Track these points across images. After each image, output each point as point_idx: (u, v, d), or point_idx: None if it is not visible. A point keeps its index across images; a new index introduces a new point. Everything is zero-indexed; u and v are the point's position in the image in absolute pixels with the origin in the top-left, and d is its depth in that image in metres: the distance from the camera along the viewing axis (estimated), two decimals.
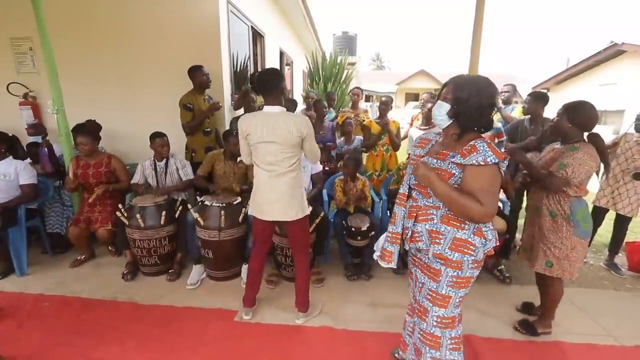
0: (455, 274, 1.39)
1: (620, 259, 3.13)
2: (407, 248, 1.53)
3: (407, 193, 1.52)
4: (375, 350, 1.99)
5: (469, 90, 1.33)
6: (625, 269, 3.01)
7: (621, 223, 3.06)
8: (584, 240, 1.97)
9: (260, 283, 2.29)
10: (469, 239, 1.35)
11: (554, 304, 2.14)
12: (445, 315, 1.46)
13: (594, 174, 1.96)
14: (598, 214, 3.13)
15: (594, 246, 3.40)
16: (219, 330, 2.12)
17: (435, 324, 1.48)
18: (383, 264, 1.55)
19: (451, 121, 1.39)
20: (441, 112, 1.39)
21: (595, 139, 1.96)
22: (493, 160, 1.27)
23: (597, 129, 2.00)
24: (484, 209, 1.27)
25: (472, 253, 1.35)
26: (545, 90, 12.43)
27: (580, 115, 1.93)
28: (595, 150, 1.90)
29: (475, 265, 1.39)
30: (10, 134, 2.97)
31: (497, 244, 1.42)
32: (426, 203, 1.43)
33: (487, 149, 1.28)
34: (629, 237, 3.24)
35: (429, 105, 3.83)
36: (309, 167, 3.00)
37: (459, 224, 1.36)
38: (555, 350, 2.04)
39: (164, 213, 2.70)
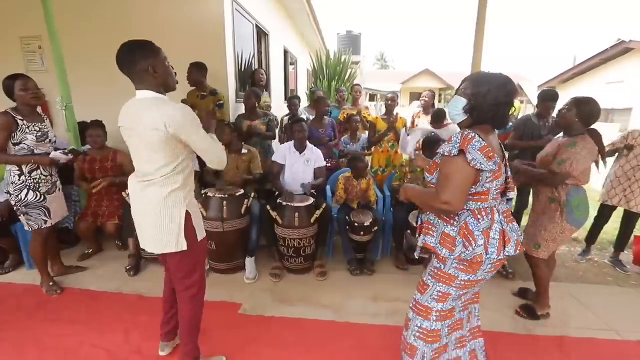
0: (438, 265, 1.43)
1: (626, 256, 3.11)
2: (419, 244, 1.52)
3: None
4: (376, 343, 2.01)
5: (489, 86, 1.31)
6: (630, 266, 2.99)
7: (629, 220, 3.05)
8: (574, 227, 2.10)
9: (176, 316, 1.80)
10: (456, 237, 1.34)
11: (544, 285, 2.26)
12: (421, 302, 1.48)
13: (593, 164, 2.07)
14: (606, 211, 3.13)
15: (599, 243, 3.38)
16: (223, 321, 2.15)
17: (411, 306, 1.53)
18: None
19: (466, 117, 1.37)
20: (458, 107, 1.37)
21: (593, 134, 2.04)
22: (454, 153, 1.27)
23: (604, 127, 2.06)
24: (437, 195, 1.29)
25: (453, 250, 1.34)
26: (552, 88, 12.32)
27: (589, 110, 2.00)
28: (593, 144, 1.98)
29: (463, 267, 1.35)
30: None
31: (500, 258, 1.33)
32: None
33: (459, 141, 1.27)
34: (636, 233, 3.22)
35: (425, 101, 4.14)
36: (312, 161, 3.02)
37: (447, 218, 1.38)
38: (556, 344, 2.04)
39: None
